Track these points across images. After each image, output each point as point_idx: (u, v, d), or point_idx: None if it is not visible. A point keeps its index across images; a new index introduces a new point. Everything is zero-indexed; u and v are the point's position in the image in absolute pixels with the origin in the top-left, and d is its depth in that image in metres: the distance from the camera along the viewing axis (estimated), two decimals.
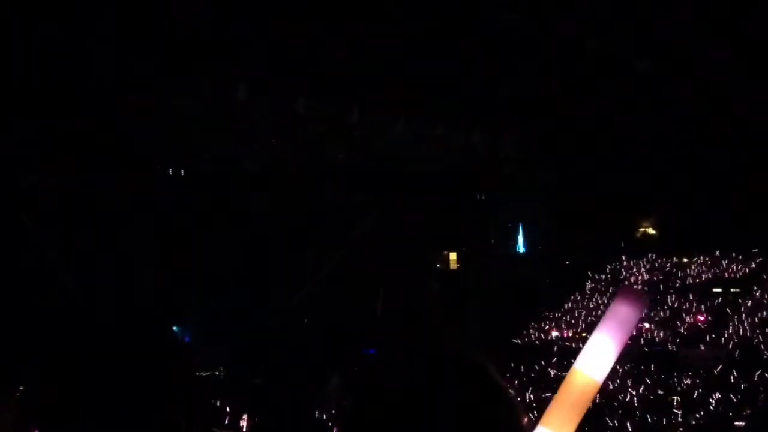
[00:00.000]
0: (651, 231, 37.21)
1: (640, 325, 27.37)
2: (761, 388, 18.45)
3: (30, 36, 17.71)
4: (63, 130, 20.36)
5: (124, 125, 21.25)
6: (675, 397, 17.93)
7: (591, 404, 1.66)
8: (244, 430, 13.30)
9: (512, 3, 17.97)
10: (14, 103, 18.83)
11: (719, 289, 28.80)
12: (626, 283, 32.00)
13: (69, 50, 18.32)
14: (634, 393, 18.71)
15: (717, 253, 31.47)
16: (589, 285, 32.48)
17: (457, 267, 33.55)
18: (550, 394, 19.10)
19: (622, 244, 35.41)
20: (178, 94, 21.49)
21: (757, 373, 19.56)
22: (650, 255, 33.70)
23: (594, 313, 29.57)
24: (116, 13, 17.59)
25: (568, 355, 24.92)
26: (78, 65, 18.76)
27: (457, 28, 18.91)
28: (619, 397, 18.55)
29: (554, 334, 28.47)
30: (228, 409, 14.52)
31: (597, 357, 1.64)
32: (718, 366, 21.28)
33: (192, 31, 18.51)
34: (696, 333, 25.53)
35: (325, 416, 15.93)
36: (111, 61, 18.77)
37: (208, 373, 20.56)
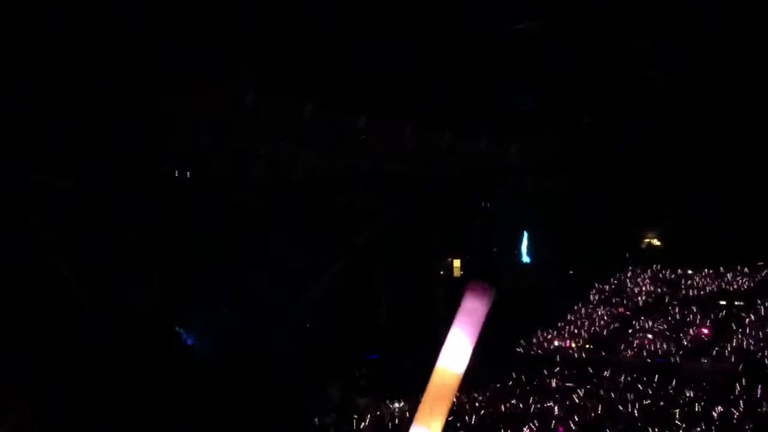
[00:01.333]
0: (656, 242, 37.17)
1: (642, 335, 27.32)
2: (764, 402, 18.38)
3: (31, 34, 17.72)
4: (63, 130, 20.36)
5: (125, 125, 21.25)
6: (677, 410, 17.88)
7: (455, 395, 1.75)
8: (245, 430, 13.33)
9: (519, 10, 17.98)
10: (14, 103, 18.83)
11: (723, 302, 28.70)
12: (630, 293, 31.99)
13: (69, 50, 18.32)
14: (636, 405, 18.65)
15: (721, 266, 31.37)
16: (593, 295, 32.43)
17: (461, 274, 33.53)
18: (551, 403, 19.10)
19: (627, 255, 35.38)
20: (182, 94, 21.53)
21: (760, 387, 19.47)
22: (655, 266, 33.65)
23: (598, 323, 29.53)
24: (118, 12, 17.57)
25: (570, 365, 24.88)
26: (78, 65, 18.77)
27: (462, 33, 18.94)
28: (621, 409, 18.51)
29: (556, 343, 28.42)
30: (230, 409, 14.54)
31: (455, 352, 1.73)
32: (721, 379, 21.19)
33: (199, 31, 18.52)
34: (700, 345, 25.45)
35: (325, 421, 15.93)
36: (113, 61, 18.78)
37: (212, 373, 20.58)
